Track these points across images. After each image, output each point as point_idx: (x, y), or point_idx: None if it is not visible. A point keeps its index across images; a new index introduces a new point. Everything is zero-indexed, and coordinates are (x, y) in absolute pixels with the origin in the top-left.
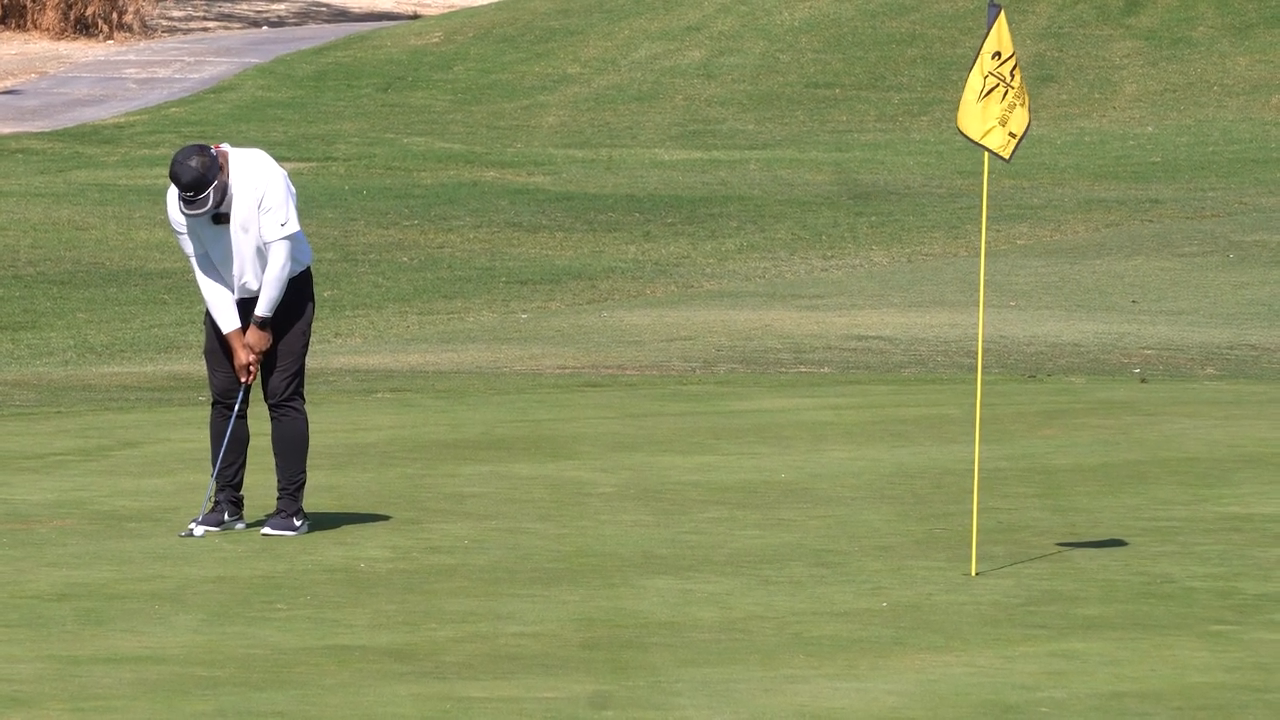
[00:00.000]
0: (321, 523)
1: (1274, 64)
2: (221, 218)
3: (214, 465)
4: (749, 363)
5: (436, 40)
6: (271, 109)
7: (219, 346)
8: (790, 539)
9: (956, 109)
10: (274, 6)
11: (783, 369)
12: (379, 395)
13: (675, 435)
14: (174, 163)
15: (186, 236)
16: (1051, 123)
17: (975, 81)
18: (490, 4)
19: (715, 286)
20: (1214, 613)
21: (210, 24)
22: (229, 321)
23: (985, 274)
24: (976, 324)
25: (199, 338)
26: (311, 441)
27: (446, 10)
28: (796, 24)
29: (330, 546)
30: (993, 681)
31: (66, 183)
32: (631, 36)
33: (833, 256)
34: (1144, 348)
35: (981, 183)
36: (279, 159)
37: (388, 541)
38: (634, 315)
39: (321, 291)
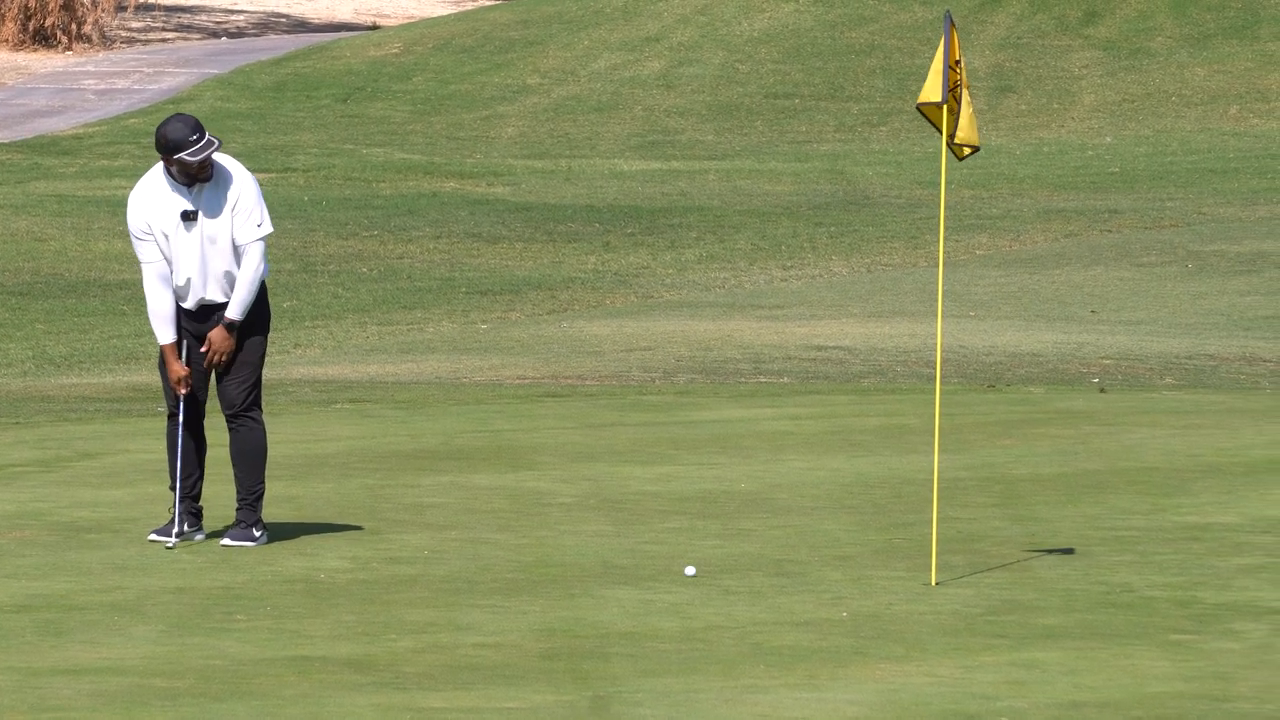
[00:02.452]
0: (281, 534)
1: (1232, 74)
2: (190, 215)
3: (172, 478)
4: (709, 373)
5: (395, 51)
6: (230, 120)
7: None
8: (750, 549)
9: (925, 121)
10: (233, 17)
11: (742, 379)
12: (338, 406)
13: (635, 445)
14: (166, 124)
15: (148, 242)
16: (1010, 133)
17: (966, 96)
18: (449, 15)
19: (675, 297)
20: (1173, 622)
21: (169, 35)
22: (166, 334)
23: (944, 284)
24: (935, 334)
25: (156, 349)
26: (271, 452)
27: (405, 21)
28: (755, 35)
29: (290, 557)
30: (953, 691)
31: (25, 194)
32: (591, 47)
33: (792, 267)
34: (1103, 357)
35: (941, 193)
36: None
37: (347, 552)
38: (594, 325)
39: (281, 302)
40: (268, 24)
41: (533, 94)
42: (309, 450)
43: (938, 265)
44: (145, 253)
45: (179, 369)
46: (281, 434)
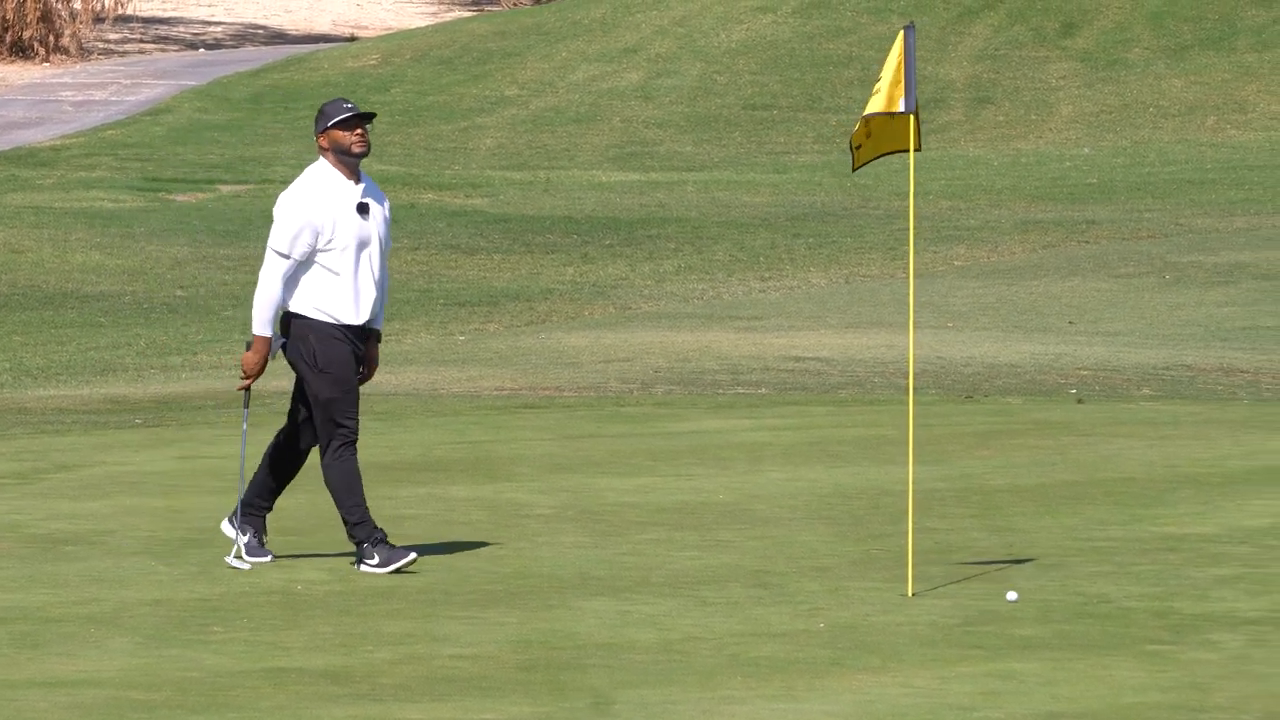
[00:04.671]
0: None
1: (1209, 85)
2: (364, 208)
3: (360, 505)
4: (686, 384)
5: (374, 62)
6: (208, 131)
7: (350, 375)
8: (728, 560)
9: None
10: (211, 29)
11: (720, 390)
12: None
13: (613, 457)
14: (327, 103)
15: (304, 237)
16: (988, 144)
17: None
18: (427, 26)
19: (653, 308)
20: (1150, 633)
21: (147, 46)
22: (267, 324)
23: (922, 295)
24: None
25: (135, 360)
26: (248, 463)
27: (383, 32)
28: (734, 46)
29: (267, 569)
30: (929, 702)
31: (2, 206)
32: (569, 58)
33: (770, 278)
34: (1080, 368)
35: (910, 204)
36: (216, 181)
37: (325, 564)
38: (572, 337)
39: None
40: (245, 36)
41: (511, 105)
42: None
43: (909, 276)
44: (299, 246)
45: (259, 366)
46: (261, 445)
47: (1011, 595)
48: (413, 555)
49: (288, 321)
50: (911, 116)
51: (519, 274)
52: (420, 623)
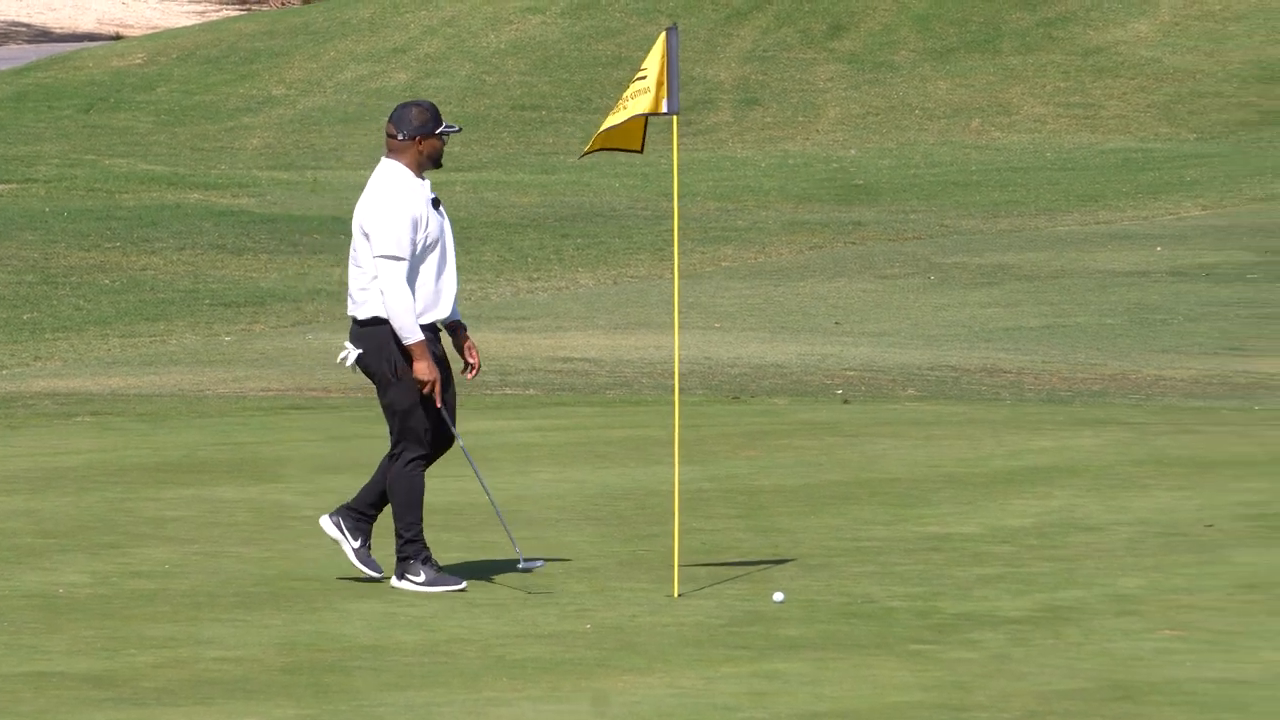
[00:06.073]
0: (18, 548)
1: (974, 88)
2: (437, 203)
3: (416, 524)
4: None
5: (139, 61)
6: None
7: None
8: (494, 561)
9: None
10: None
11: (488, 391)
12: (79, 419)
13: (380, 458)
14: (415, 104)
15: (409, 236)
16: (755, 145)
17: (631, 104)
18: (194, 25)
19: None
20: (913, 632)
21: None
22: (417, 329)
23: (689, 296)
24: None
25: None
26: (8, 466)
27: (149, 31)
28: (503, 46)
29: (27, 572)
30: (695, 702)
31: None
32: (337, 58)
33: (538, 278)
34: (846, 369)
35: (674, 204)
36: None
37: (87, 567)
38: (339, 338)
39: (20, 314)
40: (8, 34)
41: (278, 105)
42: (48, 463)
43: (682, 276)
44: (408, 246)
45: (427, 373)
46: (20, 447)
47: (778, 596)
48: (463, 585)
49: (362, 329)
50: (645, 119)
51: (286, 274)
52: (184, 626)
